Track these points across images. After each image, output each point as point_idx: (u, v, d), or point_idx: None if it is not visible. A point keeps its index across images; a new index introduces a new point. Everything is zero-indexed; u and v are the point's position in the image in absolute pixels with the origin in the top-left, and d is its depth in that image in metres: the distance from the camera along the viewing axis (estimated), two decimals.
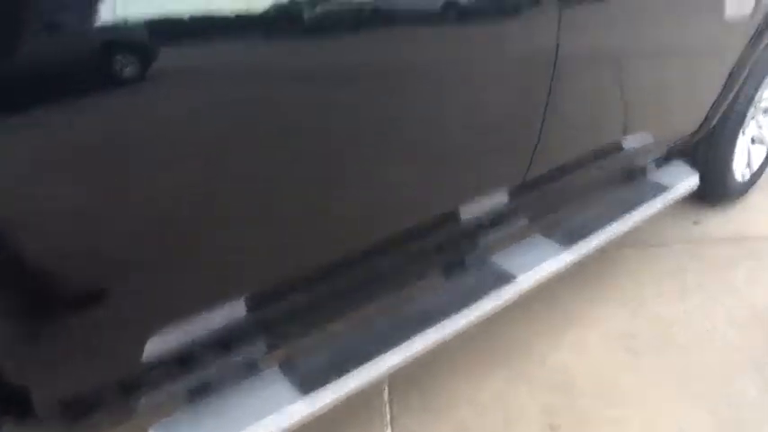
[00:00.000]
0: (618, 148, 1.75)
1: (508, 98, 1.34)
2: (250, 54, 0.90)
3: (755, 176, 2.50)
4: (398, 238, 1.33)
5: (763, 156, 2.50)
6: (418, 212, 1.33)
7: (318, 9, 0.95)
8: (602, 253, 1.92)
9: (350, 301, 1.36)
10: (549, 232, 1.69)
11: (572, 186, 1.69)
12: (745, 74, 2.04)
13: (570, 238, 1.68)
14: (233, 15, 0.86)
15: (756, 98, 2.22)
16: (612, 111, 1.64)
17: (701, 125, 2.05)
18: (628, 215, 1.81)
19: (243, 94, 0.91)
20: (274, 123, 0.97)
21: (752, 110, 2.25)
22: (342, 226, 1.21)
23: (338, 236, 1.22)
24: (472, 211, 1.43)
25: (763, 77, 2.19)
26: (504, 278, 1.52)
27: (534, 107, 1.38)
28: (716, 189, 2.32)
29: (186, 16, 0.82)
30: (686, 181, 2.03)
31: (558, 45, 1.32)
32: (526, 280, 1.54)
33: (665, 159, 2.14)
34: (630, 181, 1.97)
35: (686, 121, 1.98)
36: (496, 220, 1.51)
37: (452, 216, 1.40)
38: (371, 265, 1.35)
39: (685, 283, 2.04)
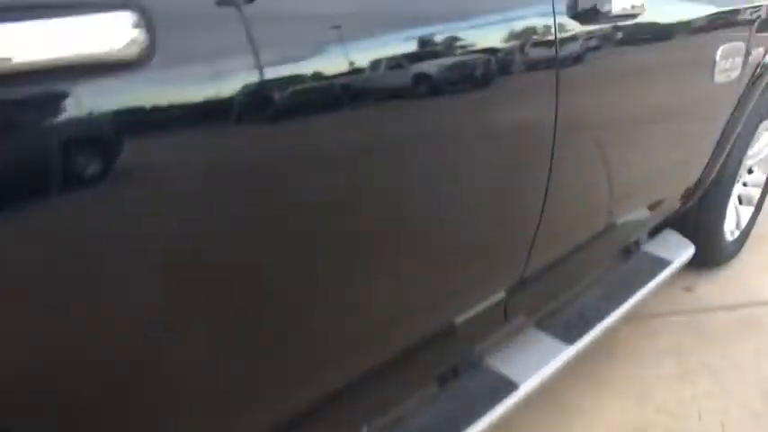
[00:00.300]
0: (618, 225, 1.62)
1: (503, 186, 1.19)
2: (222, 145, 0.74)
3: (744, 236, 2.42)
4: (385, 357, 1.16)
5: (750, 214, 2.43)
6: (403, 331, 1.16)
7: (289, 91, 0.79)
8: None
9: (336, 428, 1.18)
10: (546, 326, 1.54)
11: (570, 273, 1.55)
12: (734, 137, 1.96)
13: (571, 330, 1.53)
14: (204, 102, 0.70)
15: (744, 159, 2.15)
16: (613, 187, 1.51)
17: (693, 192, 1.95)
18: (628, 297, 1.67)
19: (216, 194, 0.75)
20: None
21: (741, 171, 2.17)
22: (319, 347, 1.03)
23: (316, 359, 1.04)
24: (465, 316, 1.27)
25: (750, 138, 2.12)
26: (506, 387, 1.35)
27: (534, 192, 1.24)
28: (708, 253, 2.22)
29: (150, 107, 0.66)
30: (683, 253, 1.92)
31: (556, 115, 1.18)
32: (529, 386, 1.38)
33: (656, 228, 2.03)
34: (626, 257, 1.84)
35: (682, 188, 1.88)
36: (491, 323, 1.35)
37: (442, 328, 1.23)
38: (357, 387, 1.17)
39: (688, 362, 1.90)
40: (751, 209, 2.41)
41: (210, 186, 0.74)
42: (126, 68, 0.62)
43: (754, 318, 2.11)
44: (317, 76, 0.81)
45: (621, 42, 1.32)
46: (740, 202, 2.36)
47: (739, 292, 2.25)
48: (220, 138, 0.73)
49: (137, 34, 0.62)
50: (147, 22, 0.63)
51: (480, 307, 1.28)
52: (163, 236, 0.72)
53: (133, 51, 0.62)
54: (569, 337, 1.51)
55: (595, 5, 1.21)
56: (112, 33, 0.61)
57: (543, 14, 1.13)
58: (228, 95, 0.71)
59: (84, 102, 0.61)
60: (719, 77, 1.71)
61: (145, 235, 0.70)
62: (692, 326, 2.08)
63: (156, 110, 0.66)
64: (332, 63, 0.82)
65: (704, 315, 2.13)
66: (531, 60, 1.13)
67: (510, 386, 1.36)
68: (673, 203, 1.92)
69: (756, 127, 2.13)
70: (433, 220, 1.07)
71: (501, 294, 1.33)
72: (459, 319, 1.25)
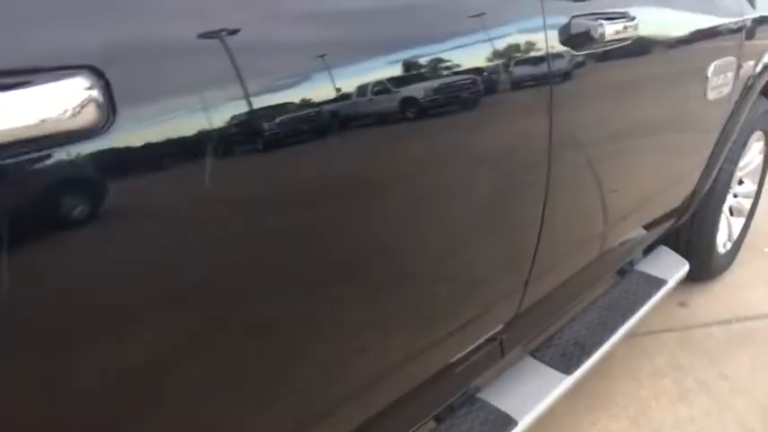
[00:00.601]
0: (616, 247, 1.58)
1: (499, 217, 1.14)
2: (190, 202, 0.68)
3: (736, 248, 2.40)
4: (377, 401, 1.11)
5: (741, 226, 2.41)
6: (397, 374, 1.11)
7: (277, 120, 0.73)
8: None
9: None
10: (542, 355, 1.49)
11: (567, 301, 1.51)
12: (725, 152, 1.93)
13: (568, 359, 1.49)
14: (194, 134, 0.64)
15: (735, 171, 2.12)
16: (611, 208, 1.47)
17: (688, 207, 1.93)
18: (624, 322, 1.63)
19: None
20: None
21: (733, 183, 2.15)
22: (312, 391, 0.98)
23: (310, 404, 0.99)
24: (461, 356, 1.22)
25: (741, 150, 2.10)
26: (504, 424, 1.30)
27: (531, 222, 1.19)
28: (702, 268, 2.19)
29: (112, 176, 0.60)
30: (677, 272, 1.88)
31: (551, 140, 1.14)
32: (527, 422, 1.33)
33: (649, 245, 2.00)
34: (621, 278, 1.80)
35: (676, 204, 1.85)
36: (488, 359, 1.31)
37: (438, 368, 1.18)
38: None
39: (685, 381, 1.87)
40: (742, 220, 2.39)
41: (187, 245, 0.69)
42: (84, 138, 0.56)
43: (748, 332, 2.09)
44: (298, 124, 0.75)
45: (614, 67, 1.28)
46: (731, 214, 2.33)
47: (733, 305, 2.22)
48: (187, 198, 0.67)
49: (92, 100, 0.56)
50: (103, 85, 0.57)
51: (477, 345, 1.24)
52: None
53: (89, 119, 0.56)
54: (566, 366, 1.47)
55: (588, 31, 1.17)
56: (65, 103, 0.54)
57: (535, 41, 1.09)
58: (195, 156, 0.65)
59: (38, 178, 0.55)
60: (712, 94, 1.69)
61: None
62: (688, 342, 2.05)
63: (118, 179, 0.60)
64: (311, 99, 0.76)
65: (699, 330, 2.10)
66: (524, 88, 1.08)
67: (508, 422, 1.31)
68: (667, 220, 1.89)
69: (747, 138, 2.11)
70: (427, 257, 1.03)
71: (497, 330, 1.28)
72: (456, 358, 1.21)
